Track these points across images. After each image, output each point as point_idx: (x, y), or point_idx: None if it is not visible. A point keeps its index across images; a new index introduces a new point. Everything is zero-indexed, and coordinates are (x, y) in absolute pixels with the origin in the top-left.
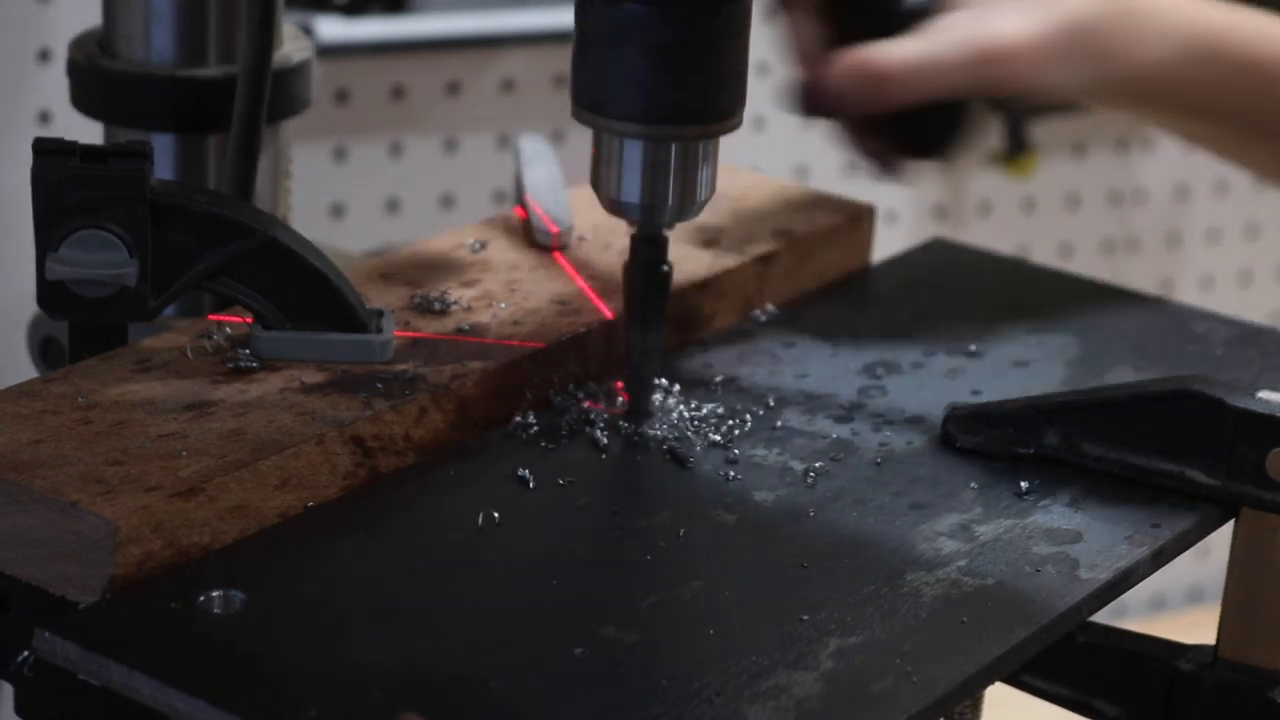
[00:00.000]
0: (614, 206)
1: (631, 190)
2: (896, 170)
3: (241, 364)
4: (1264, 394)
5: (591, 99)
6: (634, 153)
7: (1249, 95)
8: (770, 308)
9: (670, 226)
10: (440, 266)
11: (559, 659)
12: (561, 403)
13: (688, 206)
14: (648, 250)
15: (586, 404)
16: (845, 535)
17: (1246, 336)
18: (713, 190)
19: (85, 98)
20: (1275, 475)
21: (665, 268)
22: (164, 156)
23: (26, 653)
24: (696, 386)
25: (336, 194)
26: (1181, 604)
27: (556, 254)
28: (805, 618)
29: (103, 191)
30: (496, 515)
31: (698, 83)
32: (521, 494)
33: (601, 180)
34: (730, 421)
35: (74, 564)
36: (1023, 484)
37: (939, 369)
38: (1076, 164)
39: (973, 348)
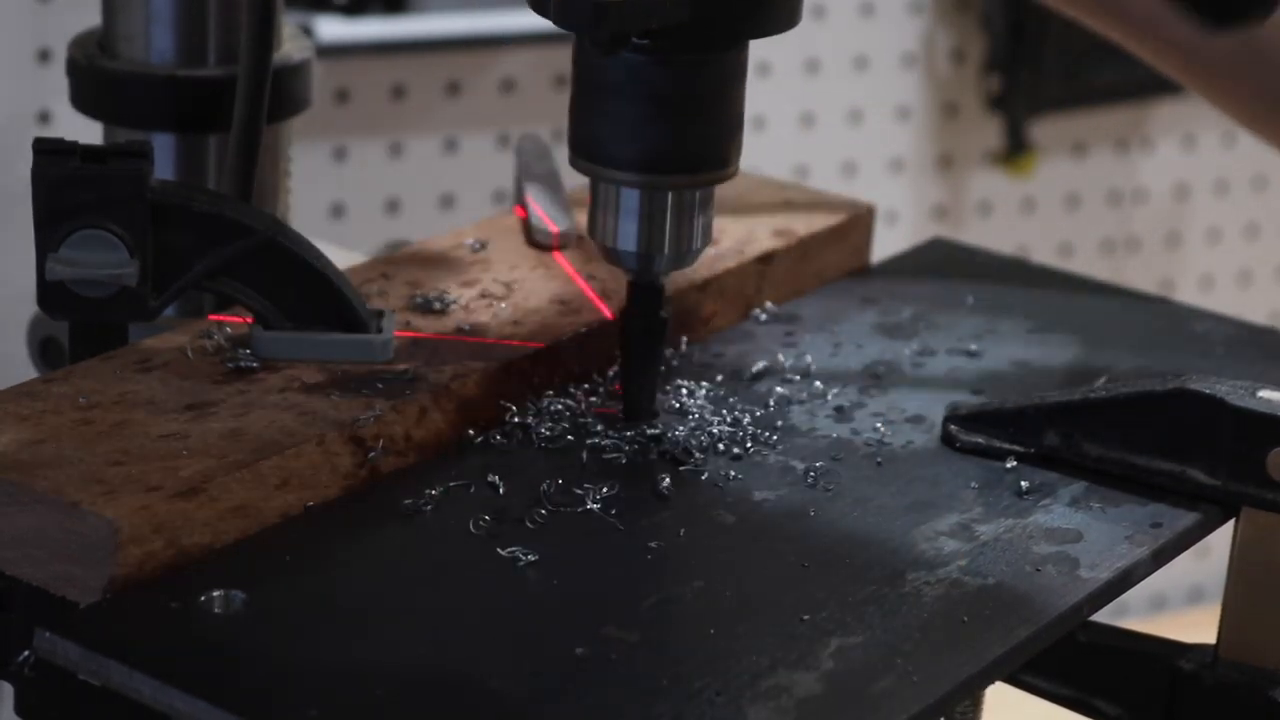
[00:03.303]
0: (610, 254)
1: (628, 239)
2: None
3: (242, 364)
4: (1264, 393)
5: (588, 147)
6: (630, 201)
7: None
8: (770, 307)
9: (666, 275)
10: (440, 266)
11: (560, 659)
12: (562, 403)
13: (684, 255)
14: (644, 298)
15: (586, 405)
16: (846, 535)
17: (1247, 336)
18: (709, 238)
19: (85, 97)
20: (1275, 475)
21: (663, 315)
22: (164, 156)
23: (27, 653)
24: (697, 386)
25: (336, 194)
26: (1181, 604)
27: (556, 254)
28: (806, 617)
29: (103, 191)
30: (497, 516)
31: (694, 132)
32: (521, 494)
33: (597, 228)
34: (730, 421)
35: (75, 564)
36: (1023, 484)
37: (939, 369)
38: (1076, 164)
39: (973, 348)
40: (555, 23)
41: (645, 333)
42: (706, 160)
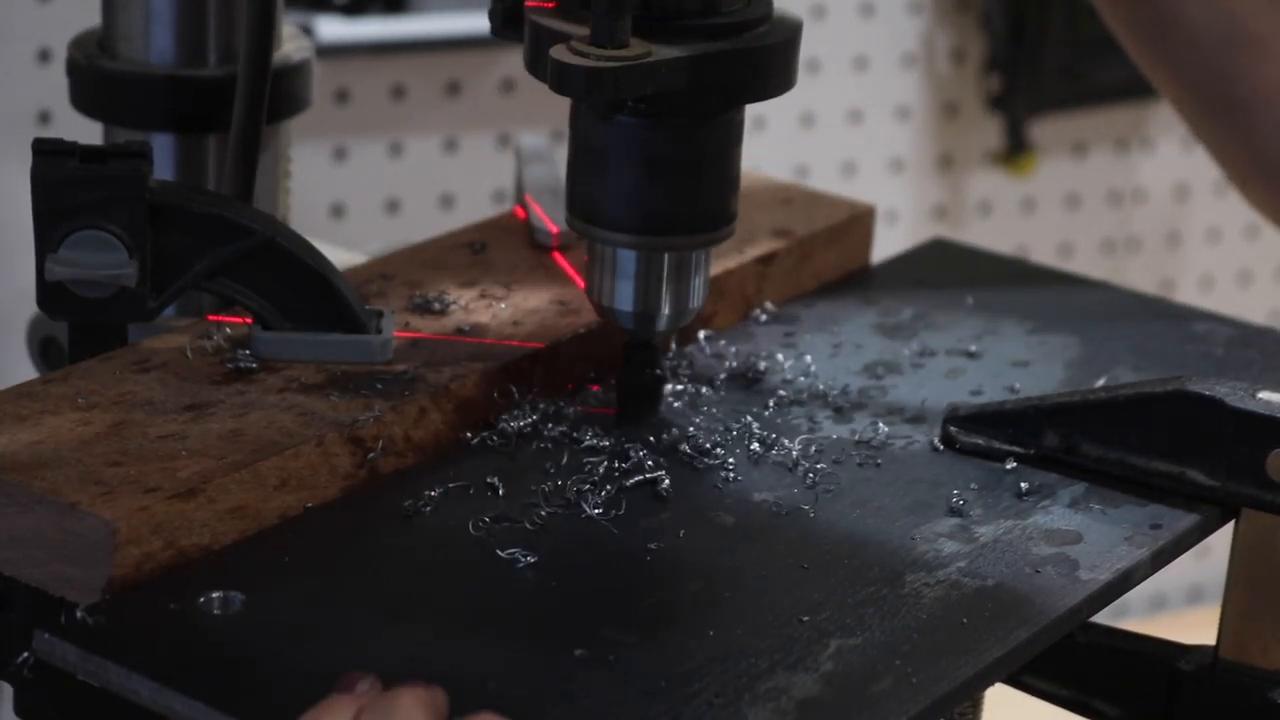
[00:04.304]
0: (607, 314)
1: (625, 299)
2: None
3: (241, 364)
4: (1264, 395)
5: (586, 209)
6: (627, 262)
7: None
8: (770, 307)
9: (663, 334)
10: (440, 266)
11: (559, 660)
12: (561, 404)
13: (680, 314)
14: (641, 357)
15: (586, 405)
16: (845, 536)
17: (1247, 337)
18: (705, 298)
19: (85, 98)
20: (1275, 476)
21: (658, 372)
22: (164, 157)
23: (26, 654)
24: (696, 387)
25: (336, 194)
26: (1181, 604)
27: (556, 254)
28: (805, 619)
29: (102, 192)
30: (496, 517)
31: (691, 194)
32: (520, 494)
33: (594, 287)
34: (730, 422)
35: (73, 565)
36: (1023, 485)
37: (939, 369)
38: (1076, 164)
39: (973, 348)
40: (552, 88)
41: (641, 390)
42: (703, 221)
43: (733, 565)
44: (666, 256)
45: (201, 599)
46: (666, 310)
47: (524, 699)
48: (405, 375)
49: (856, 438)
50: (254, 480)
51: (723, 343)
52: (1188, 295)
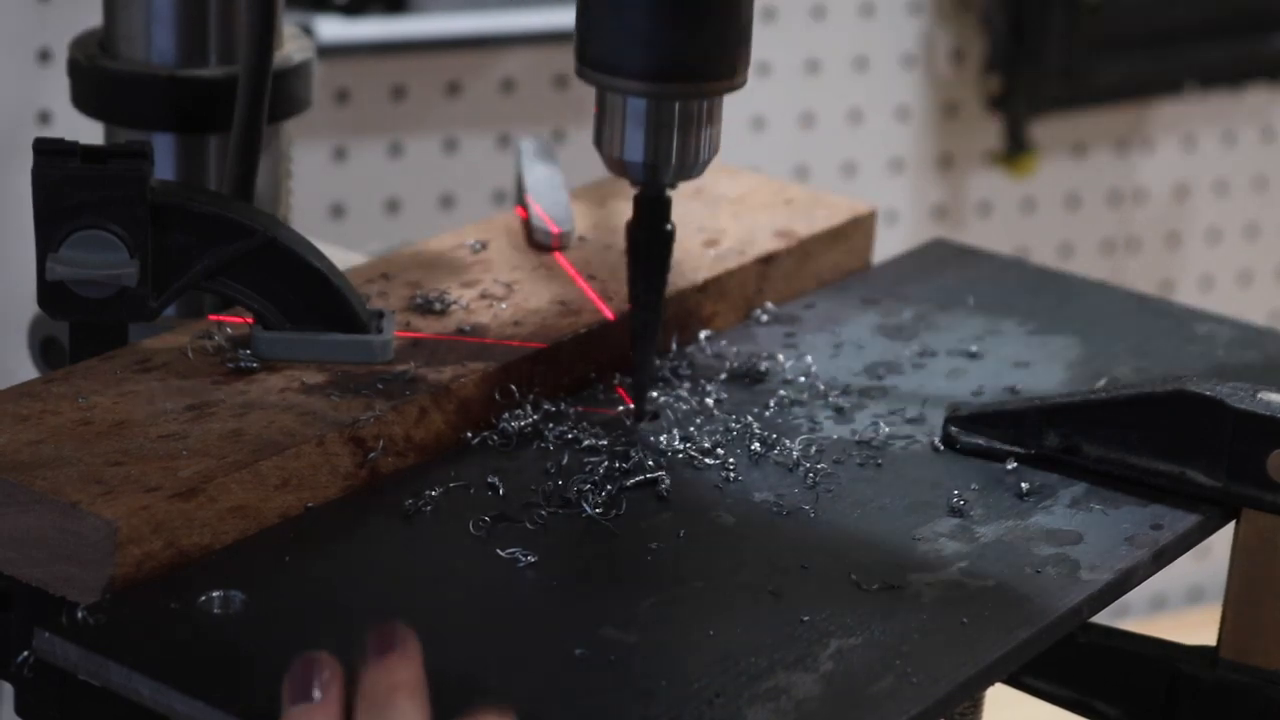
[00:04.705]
0: (616, 165)
1: (635, 149)
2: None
3: (242, 364)
4: (1264, 395)
5: (595, 57)
6: (637, 111)
7: None
8: (771, 307)
9: (673, 185)
10: (440, 266)
11: (559, 659)
12: (562, 404)
13: (690, 165)
14: (651, 210)
15: (586, 405)
16: (845, 536)
17: (1247, 338)
18: (716, 150)
19: (86, 98)
20: (1276, 476)
21: (669, 227)
22: (164, 156)
23: (26, 653)
24: (697, 386)
25: (336, 194)
26: (1181, 604)
27: (557, 254)
28: (805, 619)
29: (103, 192)
30: (496, 516)
31: (702, 41)
32: (520, 494)
33: (604, 138)
34: (730, 422)
35: (74, 564)
36: (1023, 485)
37: (940, 369)
38: (1076, 164)
39: (973, 348)
40: None
41: (652, 244)
42: (714, 70)
43: (733, 565)
44: (677, 105)
45: (202, 598)
46: (676, 162)
47: (524, 698)
48: (406, 375)
49: (857, 438)
50: (254, 480)
51: (724, 343)
52: (1188, 295)
